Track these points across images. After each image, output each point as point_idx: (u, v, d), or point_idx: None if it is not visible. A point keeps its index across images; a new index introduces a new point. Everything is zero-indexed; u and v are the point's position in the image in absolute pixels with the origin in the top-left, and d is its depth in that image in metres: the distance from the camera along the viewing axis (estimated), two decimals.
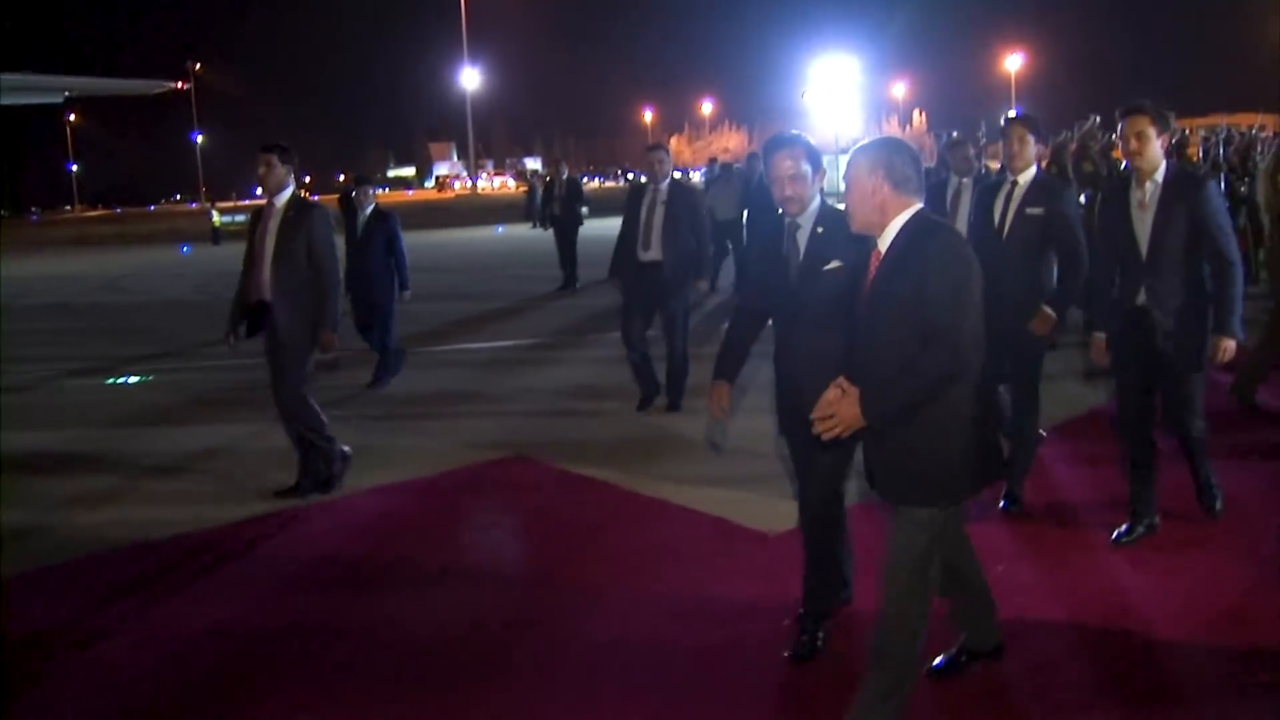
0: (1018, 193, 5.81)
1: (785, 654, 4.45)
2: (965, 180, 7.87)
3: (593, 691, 4.28)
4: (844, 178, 3.74)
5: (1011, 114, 6.32)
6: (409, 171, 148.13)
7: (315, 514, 6.70)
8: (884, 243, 3.63)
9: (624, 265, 9.09)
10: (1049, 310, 5.71)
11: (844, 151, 48.97)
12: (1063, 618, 4.70)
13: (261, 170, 6.72)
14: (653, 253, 8.75)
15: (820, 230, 4.31)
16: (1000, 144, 6.01)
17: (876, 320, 3.59)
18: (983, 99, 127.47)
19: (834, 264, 4.23)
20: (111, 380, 11.69)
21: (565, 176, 19.41)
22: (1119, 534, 5.57)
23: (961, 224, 7.19)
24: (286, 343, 6.66)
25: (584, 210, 19.47)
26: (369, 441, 8.11)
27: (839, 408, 3.47)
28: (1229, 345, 5.27)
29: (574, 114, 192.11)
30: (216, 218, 44.77)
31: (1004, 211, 5.84)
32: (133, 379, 11.69)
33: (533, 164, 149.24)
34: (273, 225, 6.73)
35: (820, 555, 4.51)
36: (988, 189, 6.07)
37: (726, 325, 4.71)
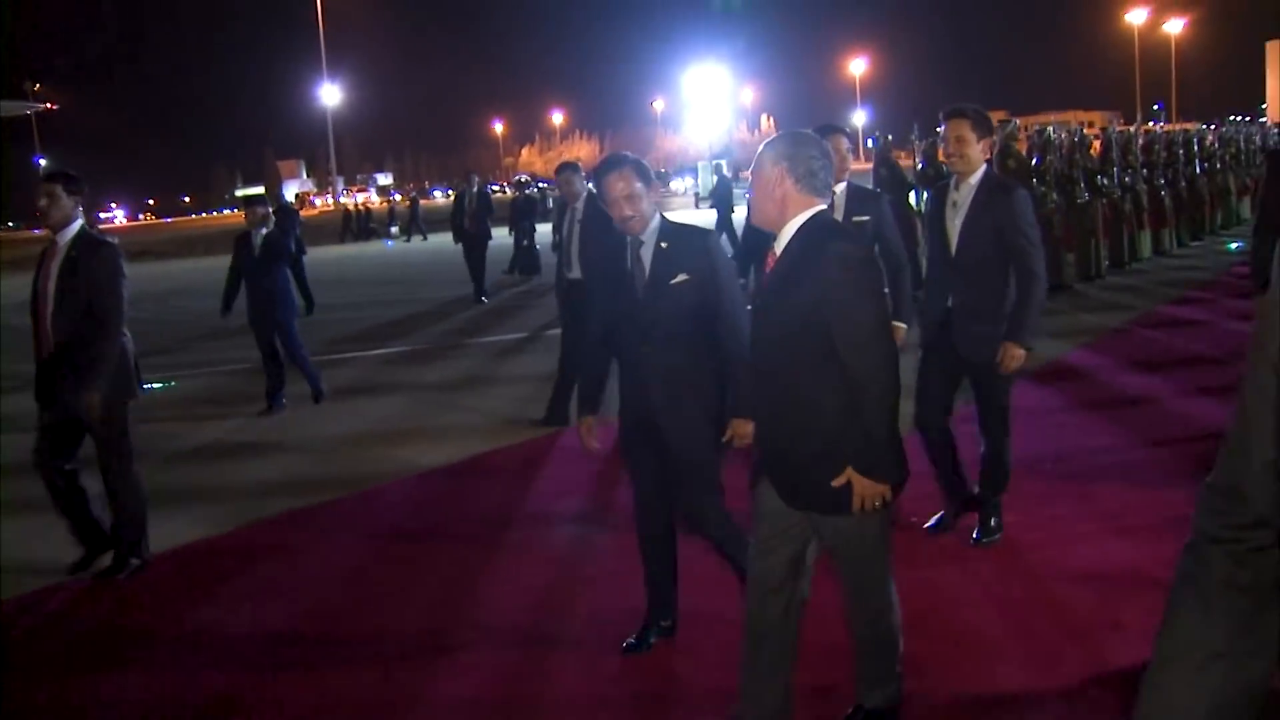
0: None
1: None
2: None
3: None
4: (750, 170, 3.65)
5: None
6: (258, 190, 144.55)
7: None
8: (780, 244, 3.51)
9: (559, 282, 9.26)
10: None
11: (716, 158, 49.87)
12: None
13: (43, 203, 5.84)
14: (575, 271, 8.74)
15: (664, 245, 4.30)
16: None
17: (773, 324, 3.49)
18: (830, 102, 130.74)
19: (681, 277, 4.23)
20: None
21: (475, 190, 19.08)
22: (931, 523, 5.70)
23: None
24: (75, 407, 5.78)
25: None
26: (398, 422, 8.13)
27: (861, 496, 3.41)
28: (1017, 353, 5.20)
29: (424, 128, 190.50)
30: None
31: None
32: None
33: (384, 180, 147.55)
34: (54, 267, 5.84)
35: (712, 543, 4.51)
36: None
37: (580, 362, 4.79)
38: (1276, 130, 24.87)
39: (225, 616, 5.39)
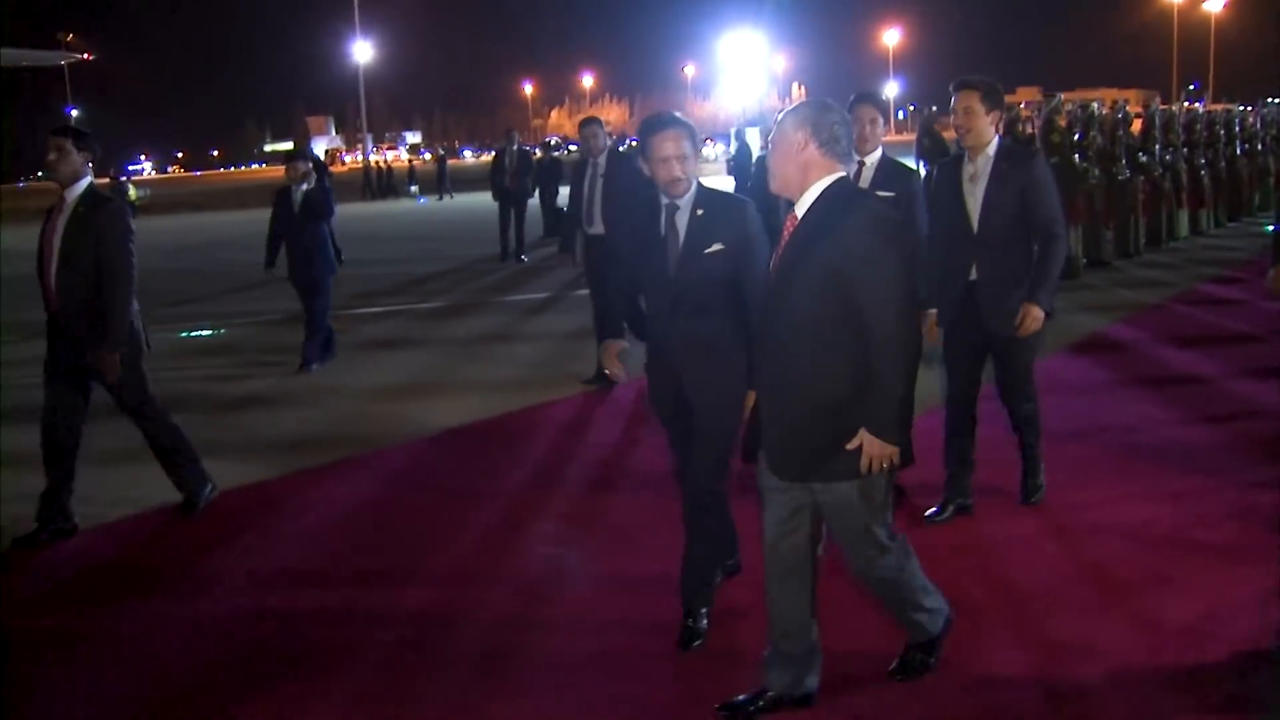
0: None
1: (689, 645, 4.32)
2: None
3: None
4: (770, 137, 3.64)
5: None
6: (287, 146, 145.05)
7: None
8: (801, 208, 3.53)
9: (571, 240, 9.39)
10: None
11: (751, 125, 49.65)
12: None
13: (52, 157, 5.79)
14: (596, 226, 8.76)
15: (700, 212, 4.21)
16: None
17: (791, 291, 3.48)
18: (863, 72, 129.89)
19: (716, 247, 4.16)
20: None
21: (516, 148, 19.08)
22: (930, 513, 5.51)
23: None
24: (94, 365, 5.77)
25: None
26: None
27: (870, 457, 3.44)
28: (1036, 314, 5.19)
29: (453, 88, 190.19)
30: (133, 191, 43.73)
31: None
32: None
33: (413, 138, 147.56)
34: (61, 223, 5.80)
35: (706, 529, 4.39)
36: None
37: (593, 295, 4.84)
38: None
39: (235, 564, 5.53)
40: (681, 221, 4.24)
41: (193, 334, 12.48)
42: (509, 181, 18.49)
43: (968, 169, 5.29)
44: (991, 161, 5.22)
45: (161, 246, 25.93)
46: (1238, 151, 18.95)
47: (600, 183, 8.74)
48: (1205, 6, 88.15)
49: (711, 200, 4.27)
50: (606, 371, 4.63)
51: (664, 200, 4.28)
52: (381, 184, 48.12)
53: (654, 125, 4.24)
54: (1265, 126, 20.89)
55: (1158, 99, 25.87)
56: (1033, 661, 4.09)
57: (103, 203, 5.82)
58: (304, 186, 9.90)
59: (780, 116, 3.59)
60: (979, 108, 5.18)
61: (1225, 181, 18.47)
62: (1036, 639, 4.26)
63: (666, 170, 4.18)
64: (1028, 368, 5.45)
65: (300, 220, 9.91)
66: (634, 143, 19.48)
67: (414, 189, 46.35)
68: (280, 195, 10.12)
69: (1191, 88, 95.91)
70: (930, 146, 14.33)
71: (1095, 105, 14.76)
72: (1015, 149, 5.34)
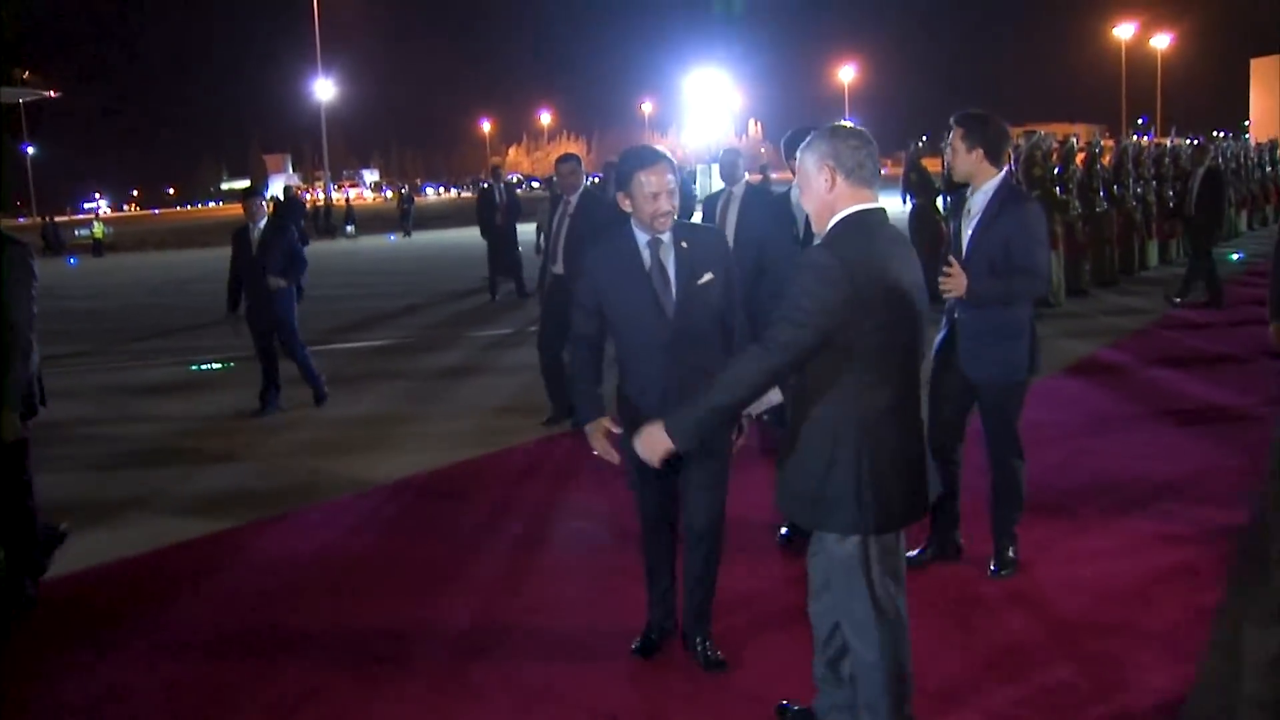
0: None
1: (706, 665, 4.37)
2: (735, 190, 7.41)
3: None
4: (797, 179, 3.62)
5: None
6: (244, 184, 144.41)
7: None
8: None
9: (543, 277, 9.14)
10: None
11: (714, 160, 50.49)
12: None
13: None
14: (559, 266, 8.53)
15: (685, 245, 4.17)
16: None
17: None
18: (818, 108, 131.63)
19: (707, 277, 4.14)
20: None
21: (504, 185, 18.84)
22: (913, 555, 5.28)
23: (728, 231, 7.03)
24: None
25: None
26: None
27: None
28: (961, 283, 4.91)
29: (411, 125, 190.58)
30: (99, 228, 44.40)
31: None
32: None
33: (370, 176, 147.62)
34: None
35: (708, 559, 4.37)
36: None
37: (570, 362, 4.46)
38: (1259, 148, 25.60)
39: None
40: (668, 256, 4.17)
41: (201, 367, 12.67)
42: (499, 219, 18.18)
43: (968, 203, 5.13)
44: (988, 199, 5.01)
45: (145, 283, 26.09)
46: None
47: (567, 222, 8.49)
48: (1152, 43, 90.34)
49: (691, 232, 4.26)
50: (596, 452, 4.24)
51: (644, 237, 4.18)
52: (318, 223, 46.44)
53: (644, 159, 4.15)
54: (1226, 159, 21.68)
55: (1105, 133, 26.76)
56: None
57: (6, 245, 5.22)
58: (262, 224, 9.57)
59: (800, 154, 3.43)
60: (960, 145, 5.04)
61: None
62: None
63: (655, 205, 4.10)
64: (1011, 420, 5.16)
65: (259, 259, 9.52)
66: (598, 179, 18.95)
67: (350, 229, 44.93)
68: (238, 235, 9.72)
69: (1140, 121, 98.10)
70: (917, 181, 14.81)
71: (1074, 139, 15.36)
72: (1013, 190, 5.09)
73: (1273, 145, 26.31)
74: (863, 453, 3.24)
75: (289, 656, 4.73)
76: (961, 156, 5.03)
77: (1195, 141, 16.88)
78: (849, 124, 3.42)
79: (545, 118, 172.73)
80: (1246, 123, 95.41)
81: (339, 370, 11.54)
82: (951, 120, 5.10)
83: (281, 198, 25.47)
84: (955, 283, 4.94)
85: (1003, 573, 5.24)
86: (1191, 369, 9.86)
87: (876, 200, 3.35)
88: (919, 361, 3.37)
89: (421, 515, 6.78)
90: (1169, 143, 18.64)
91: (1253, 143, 29.81)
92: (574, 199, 8.49)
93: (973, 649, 4.48)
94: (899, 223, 4.51)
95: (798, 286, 3.20)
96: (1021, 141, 13.73)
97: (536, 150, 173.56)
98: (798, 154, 3.45)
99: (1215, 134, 39.43)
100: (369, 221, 51.78)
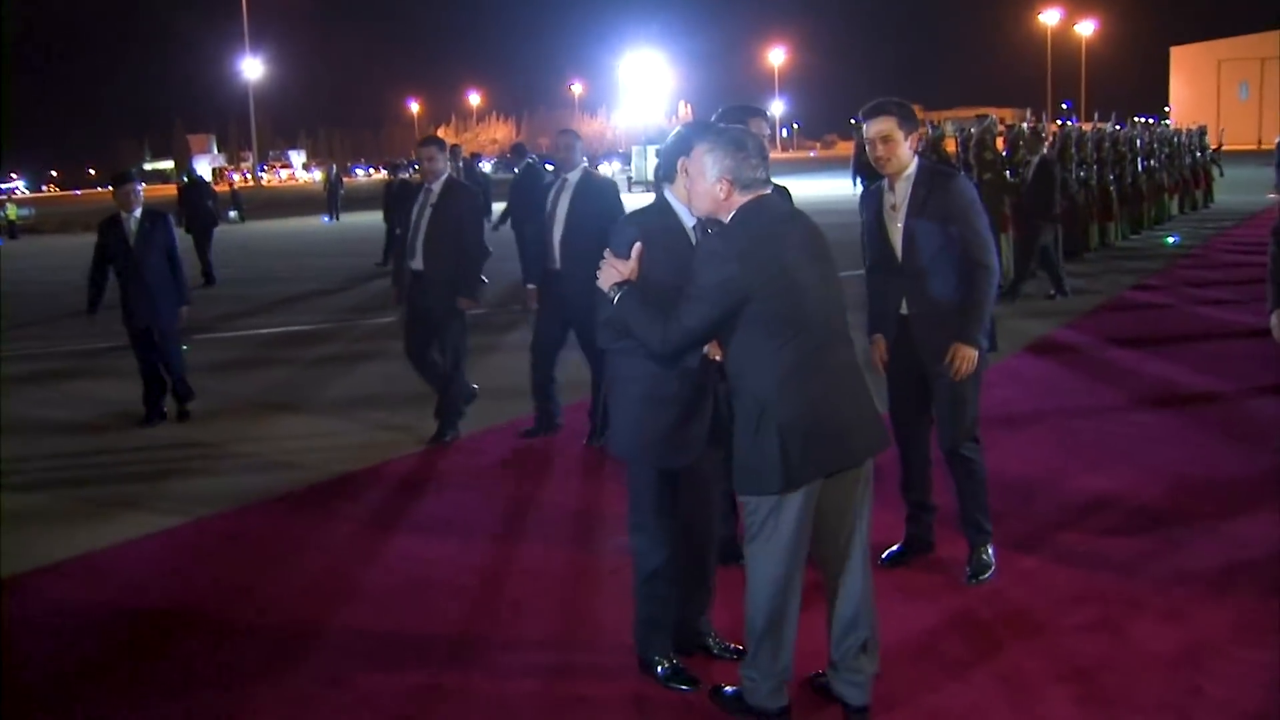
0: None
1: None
2: (570, 176, 7.17)
3: None
4: (688, 171, 3.68)
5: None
6: (167, 165, 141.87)
7: None
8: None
9: (402, 275, 7.90)
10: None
11: (651, 142, 50.52)
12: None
13: None
14: (417, 261, 7.67)
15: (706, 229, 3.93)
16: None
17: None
18: (748, 91, 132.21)
19: None
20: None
21: (463, 166, 18.52)
22: (888, 554, 5.19)
23: (558, 221, 7.01)
24: None
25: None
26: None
27: None
28: (966, 353, 4.76)
29: (338, 106, 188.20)
30: (12, 210, 42.99)
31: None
32: None
33: (298, 157, 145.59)
34: None
35: (706, 568, 4.31)
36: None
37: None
38: (1189, 133, 26.22)
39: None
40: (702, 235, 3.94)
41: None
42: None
43: (889, 198, 4.91)
44: (910, 187, 4.80)
45: (79, 265, 25.47)
46: (1139, 168, 20.15)
47: (428, 212, 7.58)
48: (1076, 29, 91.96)
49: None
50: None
51: (690, 217, 3.93)
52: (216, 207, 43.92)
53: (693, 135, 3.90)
54: (1160, 144, 22.21)
55: (1031, 117, 27.36)
56: None
57: None
58: (138, 212, 8.57)
59: (698, 150, 3.61)
60: (898, 134, 4.77)
61: (1130, 196, 19.62)
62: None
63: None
64: (966, 415, 4.94)
65: (136, 252, 8.54)
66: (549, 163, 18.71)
67: (233, 215, 41.62)
68: (108, 225, 8.69)
69: (1065, 106, 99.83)
70: (869, 162, 14.94)
71: (1024, 124, 15.64)
72: (935, 171, 4.88)
73: (1201, 131, 26.94)
74: (780, 414, 3.51)
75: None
76: (902, 146, 4.78)
77: (1030, 126, 17.20)
78: (739, 127, 3.76)
79: (474, 98, 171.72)
80: (1167, 108, 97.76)
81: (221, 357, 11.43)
82: (870, 110, 4.84)
83: (208, 178, 24.86)
84: (962, 358, 4.77)
85: (977, 579, 4.97)
86: (1147, 347, 10.15)
87: (769, 187, 3.68)
88: (832, 325, 3.64)
89: (296, 534, 6.20)
90: (1108, 127, 19.04)
91: (1173, 127, 30.49)
92: (436, 187, 7.61)
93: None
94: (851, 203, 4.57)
95: (700, 267, 3.56)
96: (973, 127, 13.95)
97: (466, 131, 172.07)
98: (694, 151, 3.64)
99: (1138, 119, 40.28)
100: (299, 205, 50.64)
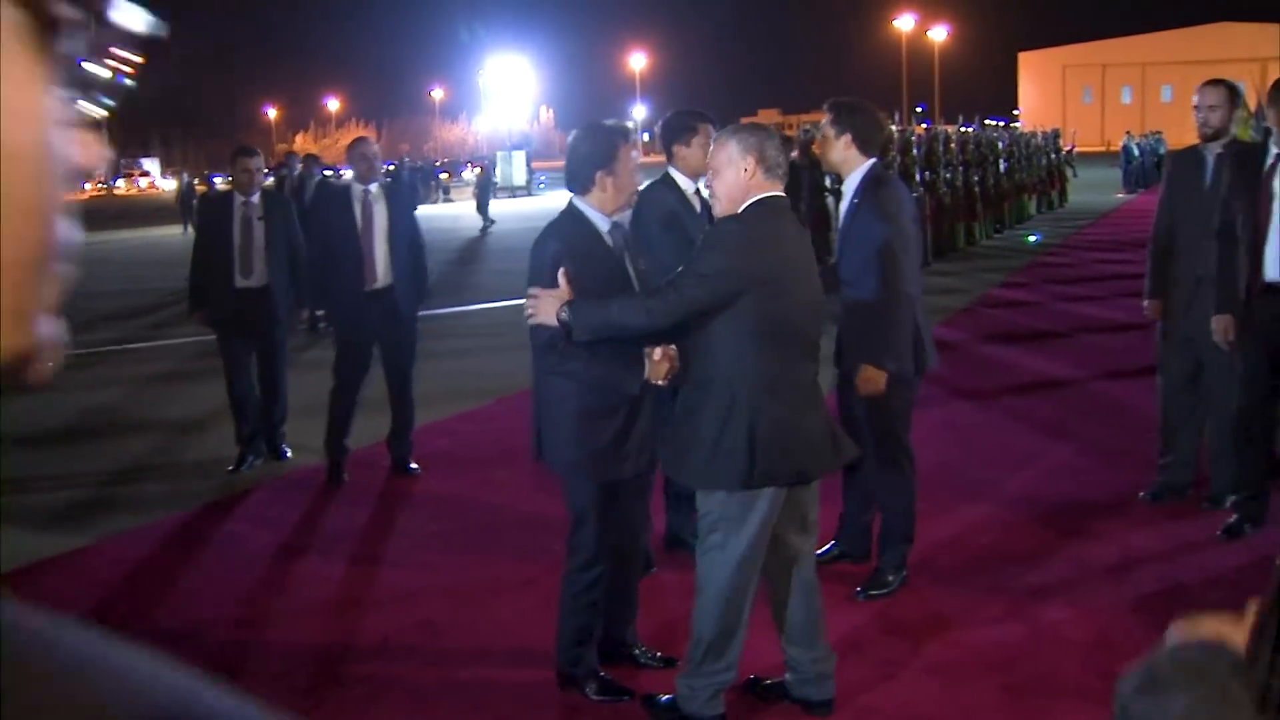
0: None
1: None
2: (372, 189, 6.77)
3: None
4: (712, 164, 3.71)
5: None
6: None
7: None
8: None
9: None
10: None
11: (516, 148, 50.17)
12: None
13: None
14: (255, 278, 7.16)
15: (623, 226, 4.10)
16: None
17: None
18: (610, 96, 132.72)
19: (640, 261, 4.10)
20: None
21: (407, 171, 17.32)
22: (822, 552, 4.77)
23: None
24: None
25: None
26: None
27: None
28: (871, 375, 4.59)
29: (191, 112, 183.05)
30: None
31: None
32: None
33: (153, 165, 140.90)
34: None
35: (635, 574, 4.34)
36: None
37: None
38: (1044, 136, 27.25)
39: None
40: (618, 240, 3.98)
41: None
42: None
43: (845, 200, 4.84)
44: (851, 193, 4.75)
45: None
46: (1001, 169, 20.84)
47: (258, 225, 7.09)
48: (930, 35, 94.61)
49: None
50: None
51: (605, 222, 3.93)
52: None
53: (626, 133, 4.05)
54: (1019, 145, 23.02)
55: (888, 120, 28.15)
56: None
57: None
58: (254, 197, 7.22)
59: (726, 141, 3.65)
60: (829, 131, 4.77)
61: (992, 197, 20.27)
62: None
63: (635, 182, 4.04)
64: (880, 429, 4.81)
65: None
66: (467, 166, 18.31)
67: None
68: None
69: (919, 109, 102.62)
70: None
71: (914, 132, 16.04)
72: (873, 177, 4.74)
73: (1056, 134, 28.00)
74: (755, 413, 3.52)
75: None
76: (830, 144, 4.77)
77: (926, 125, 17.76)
78: (765, 126, 3.92)
79: (333, 104, 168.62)
80: (1017, 111, 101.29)
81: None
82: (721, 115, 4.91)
83: None
84: (866, 380, 4.61)
85: (871, 594, 4.82)
86: (1023, 343, 10.49)
87: (783, 184, 3.73)
88: (811, 341, 3.71)
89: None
90: (971, 130, 19.65)
91: (1024, 130, 31.58)
92: (254, 200, 7.10)
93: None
94: None
95: (708, 249, 3.60)
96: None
97: (325, 137, 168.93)
98: (716, 143, 3.73)
99: (989, 121, 41.55)
100: (151, 215, 48.25)
